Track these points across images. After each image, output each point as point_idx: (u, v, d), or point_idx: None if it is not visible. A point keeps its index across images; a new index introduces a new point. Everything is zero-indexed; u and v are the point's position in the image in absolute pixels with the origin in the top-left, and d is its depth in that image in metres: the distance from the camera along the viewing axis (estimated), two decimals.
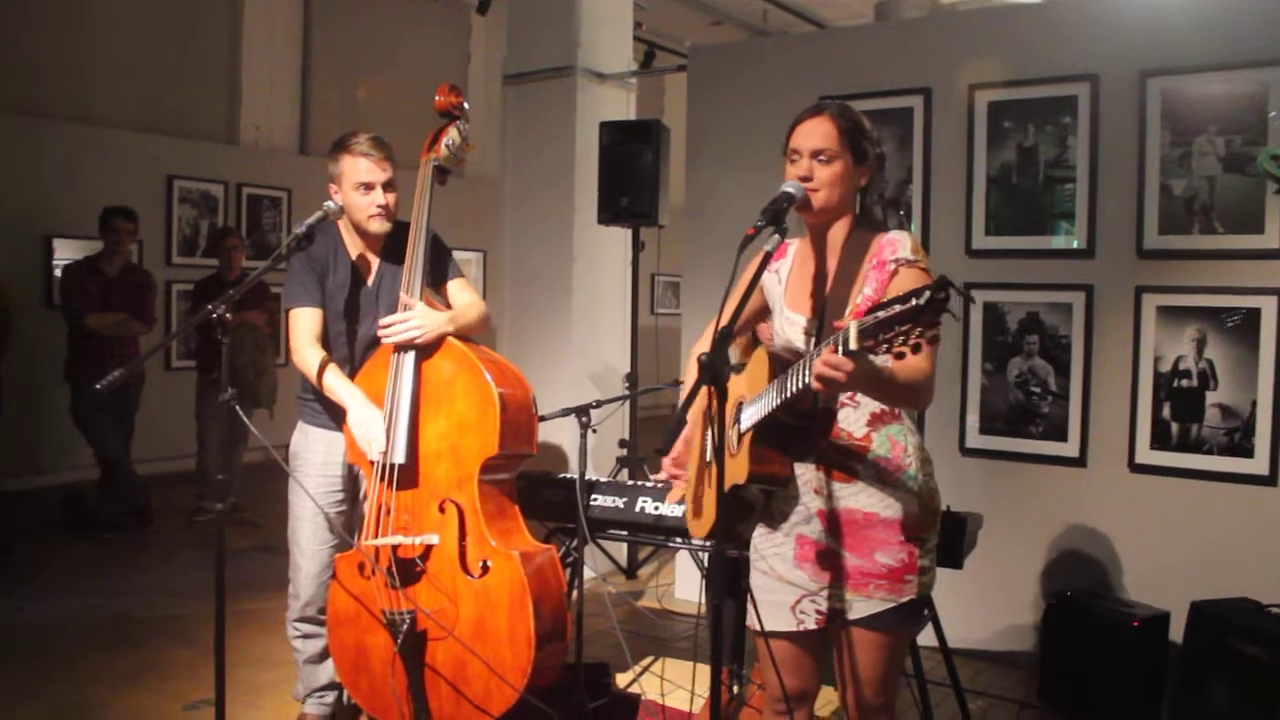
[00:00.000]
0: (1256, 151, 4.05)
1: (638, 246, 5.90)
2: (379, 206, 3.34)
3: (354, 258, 3.44)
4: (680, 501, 3.10)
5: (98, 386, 2.78)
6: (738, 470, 2.35)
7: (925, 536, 2.36)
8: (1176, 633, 3.94)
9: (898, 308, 1.80)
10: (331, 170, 3.38)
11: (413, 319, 3.22)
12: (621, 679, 4.23)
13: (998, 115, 4.60)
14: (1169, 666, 3.94)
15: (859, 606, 2.34)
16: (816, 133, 2.33)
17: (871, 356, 1.94)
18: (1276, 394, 4.05)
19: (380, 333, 3.25)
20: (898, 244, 2.32)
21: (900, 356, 1.84)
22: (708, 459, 2.52)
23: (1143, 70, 4.28)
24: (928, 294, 1.76)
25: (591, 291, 6.10)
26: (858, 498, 2.34)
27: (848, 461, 2.34)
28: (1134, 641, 3.88)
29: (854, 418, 2.35)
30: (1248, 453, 4.11)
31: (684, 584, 5.50)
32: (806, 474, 2.38)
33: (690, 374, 2.55)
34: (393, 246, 3.44)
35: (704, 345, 2.56)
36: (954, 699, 3.73)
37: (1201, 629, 3.82)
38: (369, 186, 3.33)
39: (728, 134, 5.26)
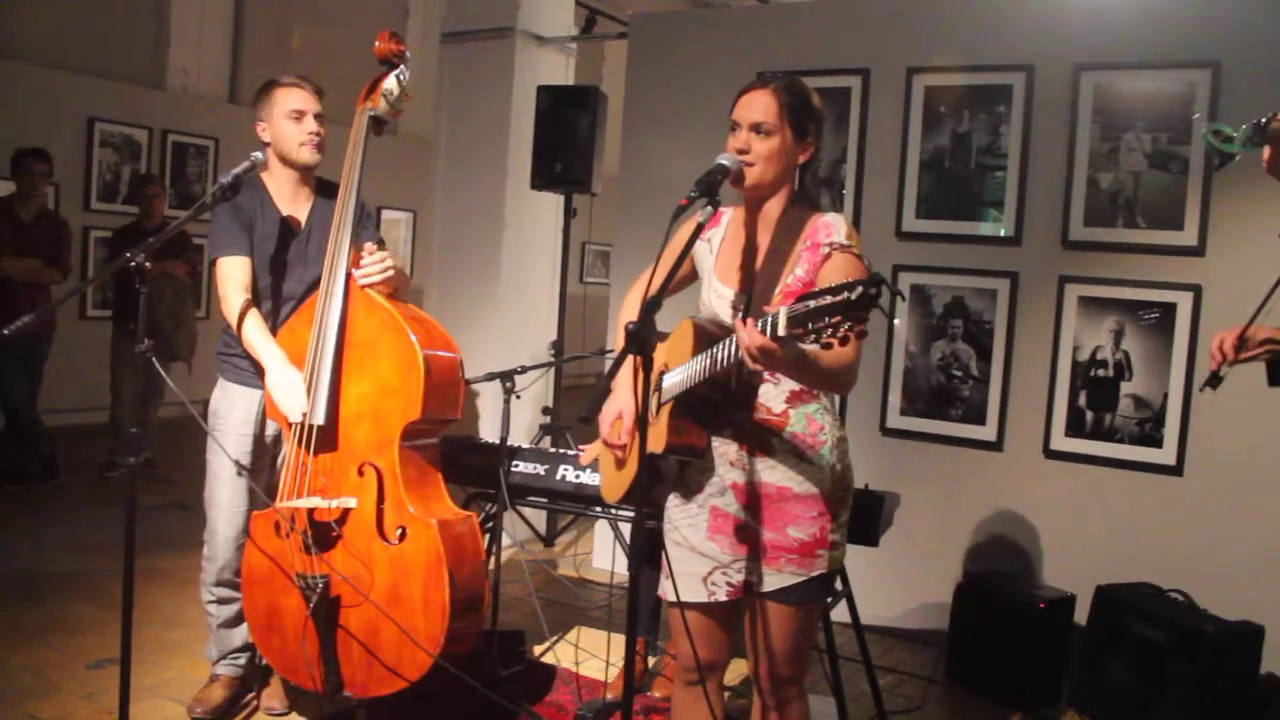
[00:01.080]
0: (1182, 149, 4.13)
1: (569, 213, 5.87)
2: (310, 133, 3.28)
3: (281, 212, 3.36)
4: (593, 464, 3.09)
5: (3, 332, 2.67)
6: (655, 440, 2.35)
7: (837, 512, 2.38)
8: (1082, 615, 4.05)
9: (829, 299, 1.80)
10: (261, 109, 3.31)
11: (388, 259, 3.17)
12: (537, 647, 4.23)
13: (934, 100, 4.63)
14: (1072, 647, 4.05)
15: (770, 579, 2.35)
16: (757, 105, 2.32)
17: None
18: (1187, 387, 4.16)
19: (358, 274, 3.16)
20: (833, 227, 2.31)
21: (827, 347, 1.84)
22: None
23: (1077, 64, 4.34)
24: (860, 289, 1.76)
25: (521, 257, 6.05)
26: (773, 472, 2.35)
27: (764, 436, 2.35)
28: (1040, 622, 3.98)
29: (773, 394, 2.36)
30: (1157, 443, 4.22)
31: (602, 553, 5.51)
32: (723, 446, 2.39)
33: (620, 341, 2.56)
34: (320, 203, 3.37)
35: (631, 313, 2.56)
36: (864, 674, 3.78)
37: (1104, 611, 3.94)
38: (300, 114, 3.27)
39: (665, 104, 5.23)
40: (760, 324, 1.93)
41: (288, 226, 3.36)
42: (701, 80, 5.02)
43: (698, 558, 2.41)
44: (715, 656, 2.54)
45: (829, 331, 1.80)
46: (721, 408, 2.36)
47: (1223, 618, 3.71)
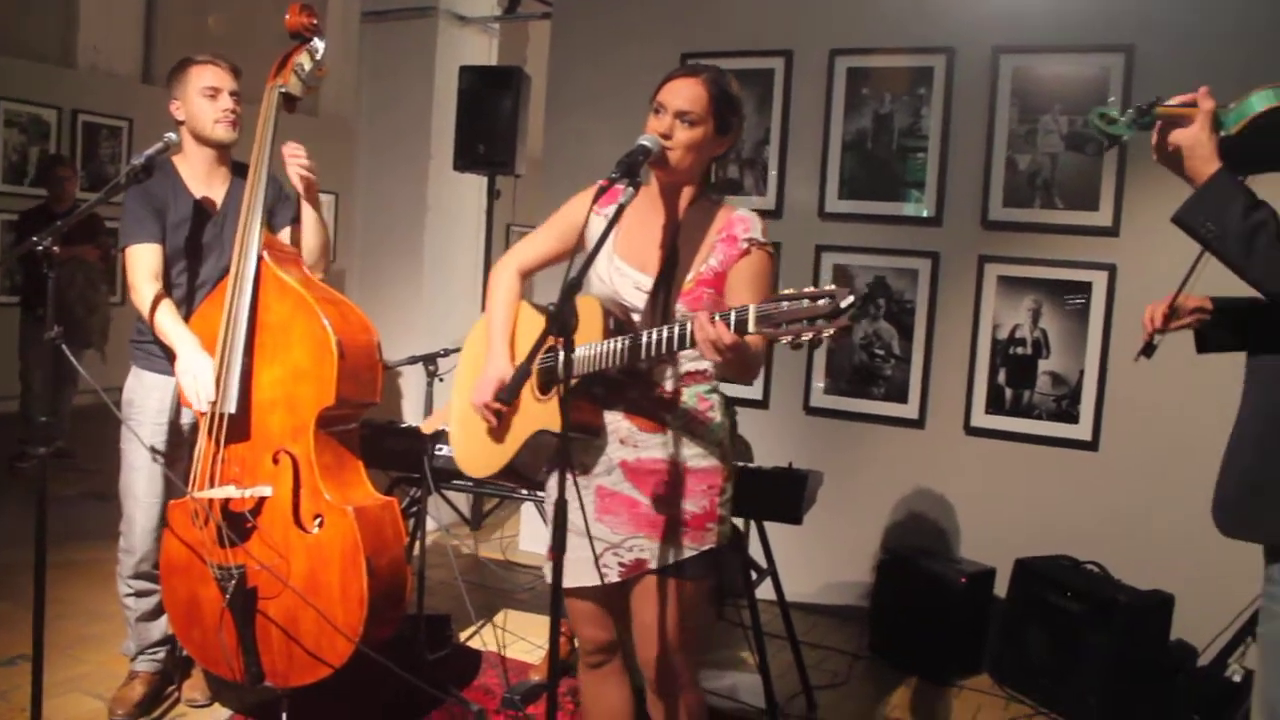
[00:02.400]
0: (1095, 132, 4.20)
1: (493, 195, 5.81)
2: (225, 110, 3.21)
3: (195, 195, 3.27)
4: (441, 433, 3.04)
5: None
6: (549, 417, 2.34)
7: (724, 487, 2.40)
8: (1001, 588, 4.14)
9: (808, 303, 1.82)
10: (175, 87, 3.23)
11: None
12: (464, 632, 4.21)
13: (856, 81, 4.67)
14: (992, 619, 4.14)
15: (663, 554, 2.35)
16: (686, 93, 2.30)
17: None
18: (1102, 364, 4.26)
19: (286, 150, 3.12)
20: (749, 223, 2.33)
21: (797, 347, 1.87)
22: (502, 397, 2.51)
23: (996, 47, 4.40)
24: (851, 299, 1.79)
25: (445, 239, 5.99)
26: (664, 448, 2.36)
27: (657, 412, 2.36)
28: (961, 596, 4.05)
29: (668, 373, 2.37)
30: (1073, 419, 4.31)
31: (529, 536, 5.50)
32: (614, 423, 2.38)
33: (495, 299, 2.53)
34: (237, 183, 3.30)
35: (506, 273, 2.56)
36: (790, 650, 3.82)
37: (1022, 584, 4.03)
38: (215, 91, 3.20)
39: (589, 84, 5.21)
40: (723, 316, 1.95)
41: (203, 209, 3.27)
42: (625, 61, 5.00)
43: (587, 540, 2.38)
44: (614, 637, 2.55)
45: (801, 335, 1.82)
46: (619, 386, 2.36)
47: (1136, 587, 3.82)
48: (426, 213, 5.87)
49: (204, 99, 3.20)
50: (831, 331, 1.81)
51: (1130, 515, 4.16)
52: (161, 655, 3.46)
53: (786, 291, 1.87)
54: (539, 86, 5.57)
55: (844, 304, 1.78)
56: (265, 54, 3.29)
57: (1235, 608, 3.64)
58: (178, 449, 3.32)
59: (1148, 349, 2.47)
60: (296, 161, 3.16)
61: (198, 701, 3.49)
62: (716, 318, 1.96)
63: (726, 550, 2.44)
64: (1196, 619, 3.82)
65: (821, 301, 1.81)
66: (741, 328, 1.91)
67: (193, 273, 3.28)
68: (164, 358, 3.21)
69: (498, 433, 2.52)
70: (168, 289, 3.20)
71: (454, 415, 2.72)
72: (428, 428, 3.27)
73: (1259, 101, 1.93)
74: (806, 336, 1.83)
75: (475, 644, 4.12)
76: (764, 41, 4.82)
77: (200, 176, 3.29)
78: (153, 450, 3.21)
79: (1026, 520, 4.32)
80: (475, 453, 2.61)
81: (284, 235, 3.31)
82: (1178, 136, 1.94)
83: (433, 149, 5.83)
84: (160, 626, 3.41)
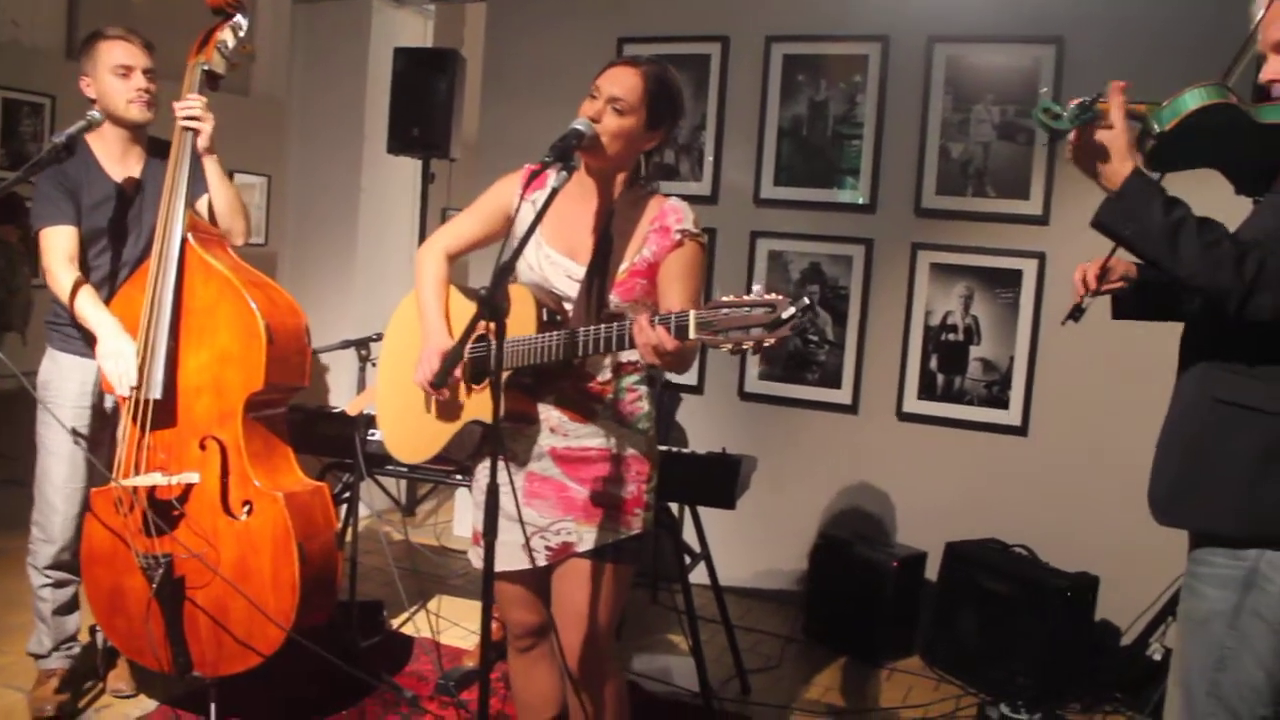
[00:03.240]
0: (1028, 121, 4.27)
1: (428, 178, 5.75)
2: (139, 90, 3.09)
3: (110, 176, 3.17)
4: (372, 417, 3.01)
5: None
6: (482, 408, 2.33)
7: (651, 474, 2.43)
8: (933, 571, 4.19)
9: (748, 311, 1.81)
10: (85, 63, 3.10)
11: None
12: (396, 619, 4.17)
13: (792, 69, 4.68)
14: (924, 603, 4.19)
15: (589, 537, 2.37)
16: (621, 81, 2.30)
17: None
18: (1032, 351, 4.33)
19: (180, 109, 3.00)
20: (681, 213, 2.34)
21: (736, 353, 1.86)
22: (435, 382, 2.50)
23: (930, 35, 4.44)
24: (793, 311, 1.78)
25: (379, 223, 5.92)
26: (593, 437, 2.38)
27: (587, 403, 2.37)
28: (893, 580, 4.09)
29: (601, 365, 2.38)
30: (1004, 404, 4.38)
31: (463, 521, 5.47)
32: (545, 413, 2.39)
33: (425, 279, 2.51)
34: (154, 163, 3.20)
35: (433, 254, 2.53)
36: (724, 635, 3.84)
37: (953, 567, 4.09)
38: (128, 70, 3.07)
39: (524, 68, 5.17)
40: (663, 320, 1.94)
41: (119, 190, 3.17)
42: (562, 44, 4.97)
43: (515, 525, 2.38)
44: (544, 620, 2.54)
45: (734, 344, 1.82)
46: (552, 376, 2.35)
47: (1062, 570, 3.90)
48: (360, 196, 5.80)
49: (115, 78, 3.08)
50: (772, 341, 1.81)
51: (1057, 499, 4.24)
52: (77, 650, 3.36)
53: (727, 299, 1.86)
54: (475, 69, 5.51)
55: (785, 315, 1.79)
56: (192, 30, 3.20)
57: (1157, 589, 3.74)
58: (100, 434, 3.24)
59: (1076, 312, 2.43)
60: (184, 112, 3.02)
61: (123, 692, 3.42)
62: (657, 322, 1.95)
63: (650, 536, 2.45)
64: (1120, 600, 3.91)
65: (761, 311, 1.81)
66: (682, 334, 1.91)
67: (115, 254, 3.18)
68: (81, 339, 3.12)
69: (430, 419, 2.50)
70: (86, 271, 3.10)
71: (380, 398, 2.69)
72: (353, 409, 3.23)
73: (1191, 100, 1.94)
74: (746, 345, 1.83)
75: (409, 630, 4.08)
76: (701, 27, 4.82)
77: (115, 156, 3.18)
78: (75, 434, 3.12)
79: (957, 504, 4.38)
80: (406, 438, 2.58)
81: (202, 204, 3.19)
82: (1103, 134, 1.96)
83: (366, 131, 5.76)
84: (76, 620, 3.32)
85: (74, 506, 3.18)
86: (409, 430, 2.57)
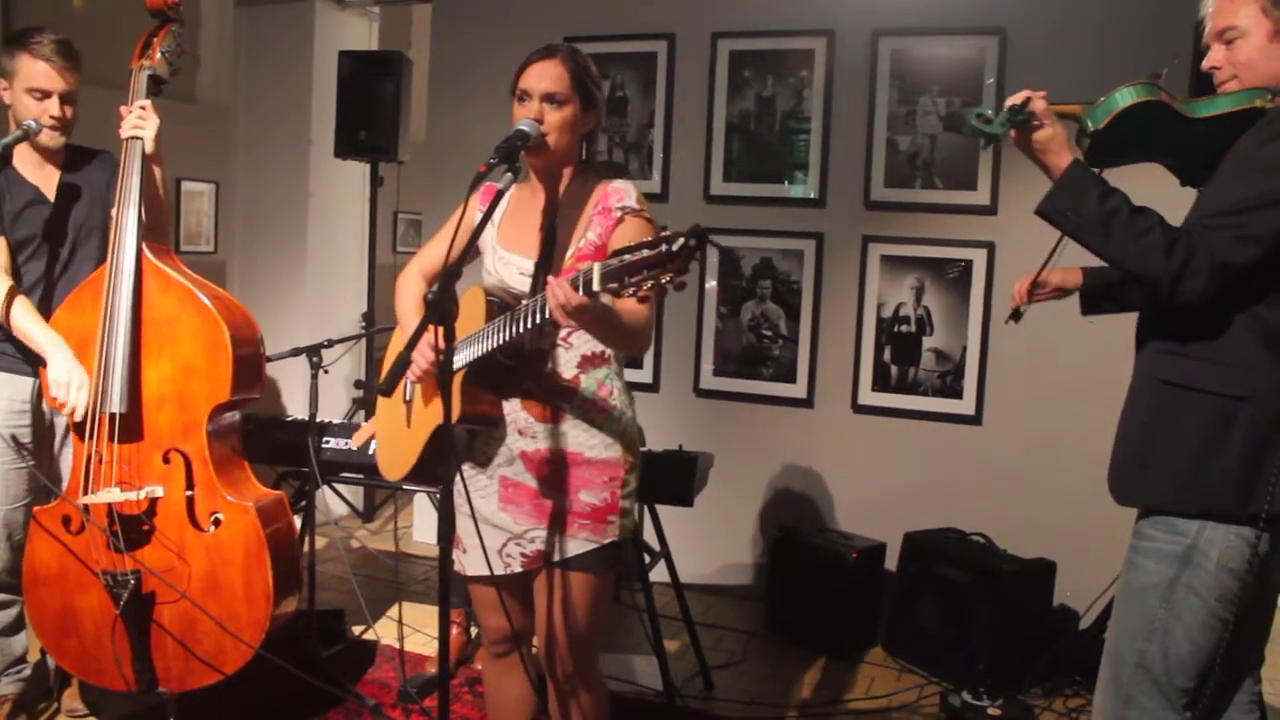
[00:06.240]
0: (972, 132, 4.30)
1: (376, 182, 5.71)
2: (52, 117, 3.00)
3: (31, 184, 3.09)
4: (368, 443, 3.04)
5: None
6: (442, 413, 2.32)
7: (627, 479, 2.38)
8: (892, 561, 4.22)
9: (646, 252, 1.79)
10: (4, 65, 3.00)
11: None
12: (358, 626, 4.14)
13: (739, 64, 4.69)
14: (884, 593, 4.22)
15: (563, 547, 2.34)
16: (549, 75, 2.28)
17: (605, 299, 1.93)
18: (984, 340, 4.37)
19: (127, 125, 2.92)
20: (623, 193, 2.32)
21: (644, 300, 1.84)
22: (406, 398, 2.49)
23: (875, 29, 4.46)
24: (681, 240, 1.76)
25: (328, 228, 5.88)
26: (564, 438, 2.33)
27: (555, 401, 2.34)
28: (853, 571, 4.11)
29: (565, 359, 2.34)
30: (958, 394, 4.42)
31: (422, 526, 5.43)
32: (512, 414, 2.36)
33: (405, 304, 2.51)
34: (79, 175, 3.13)
35: (411, 279, 2.54)
36: (686, 632, 3.85)
37: (912, 557, 4.12)
38: (45, 94, 2.98)
39: (472, 69, 5.14)
40: (572, 280, 1.91)
41: (42, 198, 3.09)
42: (507, 45, 4.86)
43: (491, 530, 2.36)
44: (519, 626, 2.52)
45: (647, 285, 1.80)
46: (513, 373, 2.33)
47: (1019, 556, 3.94)
48: (308, 201, 5.75)
49: (31, 99, 2.99)
50: (671, 277, 1.79)
51: (1013, 486, 4.29)
52: (27, 673, 3.28)
53: (624, 245, 1.86)
54: (422, 71, 5.48)
55: (675, 247, 1.77)
56: (132, 34, 3.14)
57: (1113, 571, 3.76)
58: (40, 451, 3.16)
59: (1015, 315, 2.81)
60: (133, 119, 2.95)
61: (78, 711, 3.35)
62: (565, 282, 1.94)
63: (629, 543, 2.42)
64: (1078, 584, 3.95)
65: (659, 251, 1.78)
66: (587, 287, 1.89)
67: (47, 261, 3.10)
68: (14, 355, 3.04)
69: (406, 433, 2.48)
70: (16, 280, 3.03)
71: (376, 423, 2.71)
72: (358, 440, 3.23)
73: (1122, 98, 2.08)
74: (648, 285, 1.81)
75: (370, 638, 4.05)
76: (647, 24, 4.81)
77: (35, 161, 3.10)
78: (14, 439, 3.04)
79: (915, 495, 4.41)
80: (391, 456, 2.58)
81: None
82: (1040, 135, 2.07)
83: (313, 135, 5.71)
84: (22, 641, 3.24)
85: (9, 525, 3.10)
86: (392, 448, 2.57)
